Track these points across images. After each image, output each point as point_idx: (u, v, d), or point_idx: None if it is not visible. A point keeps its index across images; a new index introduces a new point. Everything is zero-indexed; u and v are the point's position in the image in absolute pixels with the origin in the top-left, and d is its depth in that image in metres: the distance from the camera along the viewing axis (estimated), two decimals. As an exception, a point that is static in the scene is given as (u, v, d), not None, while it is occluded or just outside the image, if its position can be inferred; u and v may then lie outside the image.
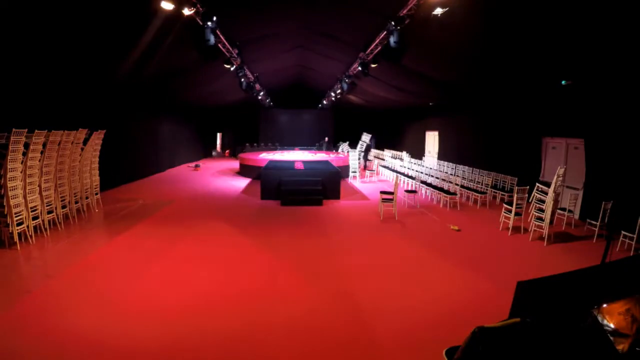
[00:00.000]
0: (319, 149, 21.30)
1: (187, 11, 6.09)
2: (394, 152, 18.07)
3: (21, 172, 5.91)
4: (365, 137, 17.91)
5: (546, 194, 6.62)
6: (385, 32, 7.64)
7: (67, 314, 3.74)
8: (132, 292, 4.32)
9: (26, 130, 5.64)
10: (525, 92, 9.59)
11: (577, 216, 7.96)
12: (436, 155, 16.26)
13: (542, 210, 6.66)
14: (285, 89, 22.55)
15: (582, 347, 1.95)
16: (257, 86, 15.79)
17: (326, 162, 13.40)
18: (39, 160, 6.38)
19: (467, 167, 11.93)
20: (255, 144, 22.78)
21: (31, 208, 6.08)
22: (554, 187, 6.36)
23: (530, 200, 7.38)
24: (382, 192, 8.46)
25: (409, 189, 11.40)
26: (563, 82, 7.81)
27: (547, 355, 1.91)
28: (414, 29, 6.81)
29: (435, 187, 10.55)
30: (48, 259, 5.58)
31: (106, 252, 5.78)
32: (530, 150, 9.70)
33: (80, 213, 7.87)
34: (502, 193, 9.71)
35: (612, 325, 1.88)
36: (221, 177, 14.82)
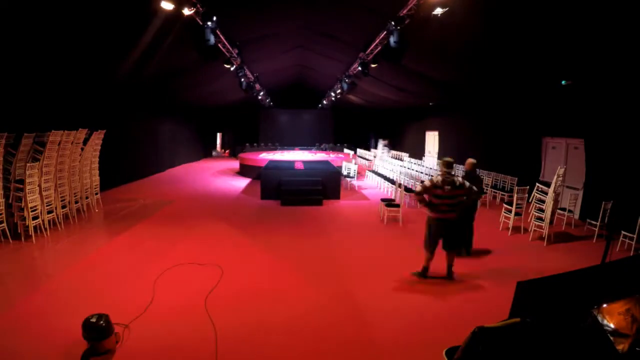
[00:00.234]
0: (324, 149, 21.32)
1: (187, 11, 6.08)
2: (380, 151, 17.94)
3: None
4: (382, 149, 16.79)
5: (546, 194, 6.62)
6: (385, 32, 7.63)
7: (67, 314, 3.74)
8: (132, 292, 4.32)
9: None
10: (525, 92, 9.58)
11: (577, 216, 7.96)
12: (436, 155, 16.27)
13: (542, 210, 6.66)
14: (285, 89, 22.55)
15: (582, 347, 1.95)
16: (257, 86, 15.78)
17: (326, 162, 13.41)
18: (39, 161, 6.40)
19: (467, 167, 11.91)
20: (255, 144, 22.78)
21: (31, 208, 6.08)
22: (554, 187, 6.35)
23: (530, 200, 7.38)
24: (383, 200, 8.36)
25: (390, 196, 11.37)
26: (563, 82, 7.81)
27: (547, 355, 1.91)
28: (414, 29, 6.81)
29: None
30: (48, 258, 5.59)
31: (106, 252, 5.78)
32: (530, 150, 9.70)
33: (80, 213, 7.87)
34: (502, 193, 9.71)
35: (612, 325, 1.88)
36: (221, 177, 14.82)
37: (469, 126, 13.44)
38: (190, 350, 3.26)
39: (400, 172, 12.60)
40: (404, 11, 6.46)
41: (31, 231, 6.03)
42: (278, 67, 15.87)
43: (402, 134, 21.35)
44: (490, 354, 1.85)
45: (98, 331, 3.02)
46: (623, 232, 6.05)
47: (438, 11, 5.69)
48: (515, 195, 7.00)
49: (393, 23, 6.71)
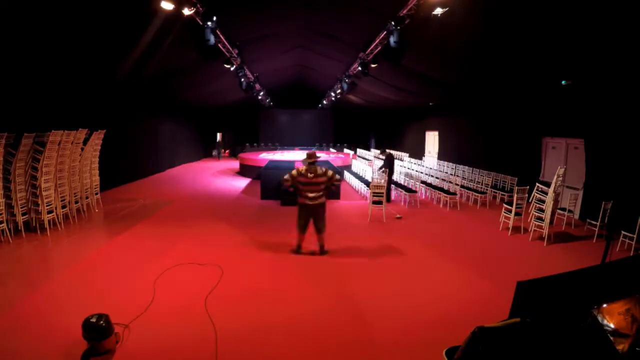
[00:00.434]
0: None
1: (187, 11, 6.09)
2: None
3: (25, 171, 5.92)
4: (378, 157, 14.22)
5: (546, 194, 6.61)
6: (385, 32, 7.63)
7: (67, 314, 3.74)
8: (132, 292, 4.32)
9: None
10: (525, 92, 9.59)
11: (577, 216, 7.96)
12: (436, 155, 16.27)
13: (542, 210, 6.66)
14: (285, 89, 22.55)
15: (582, 347, 1.94)
16: (257, 86, 15.78)
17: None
18: (39, 161, 6.40)
19: (467, 167, 11.94)
20: (255, 144, 22.78)
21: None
22: (554, 187, 6.35)
23: (530, 200, 7.38)
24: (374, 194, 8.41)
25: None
26: (563, 82, 7.81)
27: (547, 355, 1.91)
28: (414, 29, 6.81)
29: (435, 187, 10.55)
30: (48, 258, 5.59)
31: (106, 252, 5.78)
32: (530, 150, 9.70)
33: (80, 213, 7.87)
34: (502, 193, 9.71)
35: (612, 325, 1.88)
36: (221, 177, 14.82)
37: (469, 126, 13.44)
38: (190, 350, 3.26)
39: (400, 172, 12.62)
40: (404, 11, 6.46)
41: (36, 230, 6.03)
42: (278, 67, 15.87)
43: (402, 134, 21.35)
44: (490, 353, 1.85)
45: (98, 331, 3.02)
46: (623, 232, 6.05)
47: (438, 11, 5.69)
48: (515, 195, 7.00)
49: (393, 23, 6.72)
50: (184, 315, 3.85)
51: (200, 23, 6.73)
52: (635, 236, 5.82)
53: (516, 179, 9.67)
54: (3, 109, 6.80)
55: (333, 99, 18.10)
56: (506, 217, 7.32)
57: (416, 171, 13.06)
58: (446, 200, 9.40)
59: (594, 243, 6.42)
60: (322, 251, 5.72)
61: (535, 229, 6.74)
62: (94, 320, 3.05)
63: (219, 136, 24.06)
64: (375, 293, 4.46)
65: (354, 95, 17.48)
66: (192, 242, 6.30)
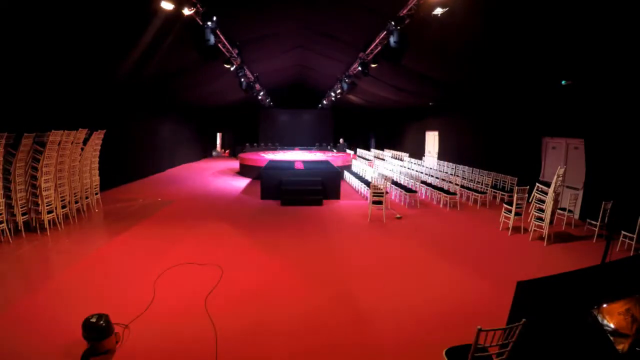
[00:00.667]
0: (332, 149, 21.28)
1: (187, 11, 6.08)
2: (395, 152, 18.05)
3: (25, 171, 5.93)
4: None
5: (546, 194, 6.61)
6: (385, 32, 7.63)
7: (67, 314, 3.74)
8: (132, 292, 4.32)
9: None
10: (525, 92, 9.59)
11: (577, 216, 7.96)
12: (436, 155, 16.27)
13: (542, 210, 6.66)
14: (285, 89, 22.54)
15: (582, 347, 1.94)
16: (257, 86, 15.78)
17: (326, 162, 13.40)
18: (39, 160, 6.40)
19: (467, 167, 11.94)
20: (255, 144, 22.77)
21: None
22: (554, 187, 6.35)
23: (530, 200, 7.38)
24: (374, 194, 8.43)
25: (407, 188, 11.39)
26: (563, 82, 7.81)
27: (547, 355, 1.91)
28: (414, 29, 6.80)
29: (435, 187, 10.55)
30: (48, 258, 5.58)
31: (106, 252, 5.78)
32: (530, 150, 9.70)
33: (80, 213, 7.87)
34: (502, 193, 9.71)
35: (612, 325, 1.88)
36: (221, 177, 14.82)
37: (469, 126, 13.43)
38: (190, 350, 3.26)
39: (400, 172, 12.62)
40: (404, 11, 6.46)
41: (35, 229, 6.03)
42: (278, 67, 15.87)
43: (402, 134, 21.34)
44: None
45: (98, 331, 3.02)
46: (623, 232, 6.05)
47: (438, 11, 5.69)
48: (515, 195, 7.00)
49: (393, 23, 6.71)
50: (184, 315, 3.85)
51: (200, 23, 6.73)
52: (635, 236, 5.81)
53: (516, 179, 9.67)
54: (3, 109, 6.80)
55: (333, 99, 18.10)
56: (506, 217, 7.32)
57: (416, 171, 13.06)
58: (446, 200, 9.40)
59: (594, 243, 6.42)
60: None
61: (535, 229, 6.74)
62: (94, 320, 3.05)
63: (218, 136, 24.05)
64: (375, 293, 4.46)
65: (354, 95, 17.47)
66: (192, 242, 6.30)
